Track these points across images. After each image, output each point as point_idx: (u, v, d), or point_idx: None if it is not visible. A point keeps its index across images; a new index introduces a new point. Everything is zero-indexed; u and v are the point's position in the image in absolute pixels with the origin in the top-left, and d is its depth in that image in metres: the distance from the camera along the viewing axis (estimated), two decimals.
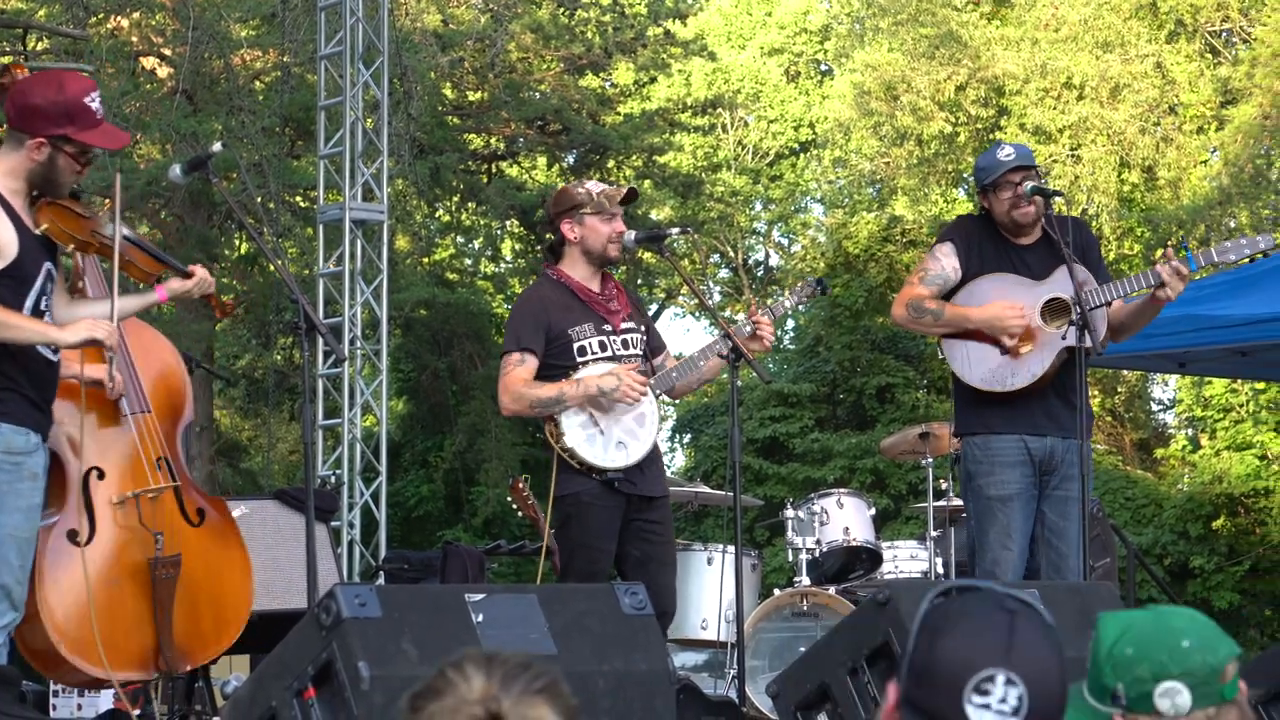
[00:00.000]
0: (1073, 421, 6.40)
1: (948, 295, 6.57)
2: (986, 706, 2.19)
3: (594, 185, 6.52)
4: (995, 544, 6.42)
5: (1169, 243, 19.19)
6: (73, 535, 5.70)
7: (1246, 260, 6.51)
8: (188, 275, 5.55)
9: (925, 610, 2.27)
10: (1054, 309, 6.44)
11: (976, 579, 6.52)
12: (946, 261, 6.57)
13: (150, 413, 5.97)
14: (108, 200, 5.67)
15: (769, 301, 6.65)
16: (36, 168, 5.17)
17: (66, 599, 5.62)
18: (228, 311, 6.02)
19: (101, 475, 5.82)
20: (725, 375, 6.46)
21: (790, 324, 22.44)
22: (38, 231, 5.18)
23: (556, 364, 6.33)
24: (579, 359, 6.31)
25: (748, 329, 6.40)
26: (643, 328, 6.56)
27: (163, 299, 5.54)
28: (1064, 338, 6.39)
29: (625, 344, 6.42)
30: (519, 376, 6.30)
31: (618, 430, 6.29)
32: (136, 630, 5.80)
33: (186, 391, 6.27)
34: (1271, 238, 6.64)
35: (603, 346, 6.36)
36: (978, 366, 6.47)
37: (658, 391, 6.43)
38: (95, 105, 5.19)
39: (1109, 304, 6.42)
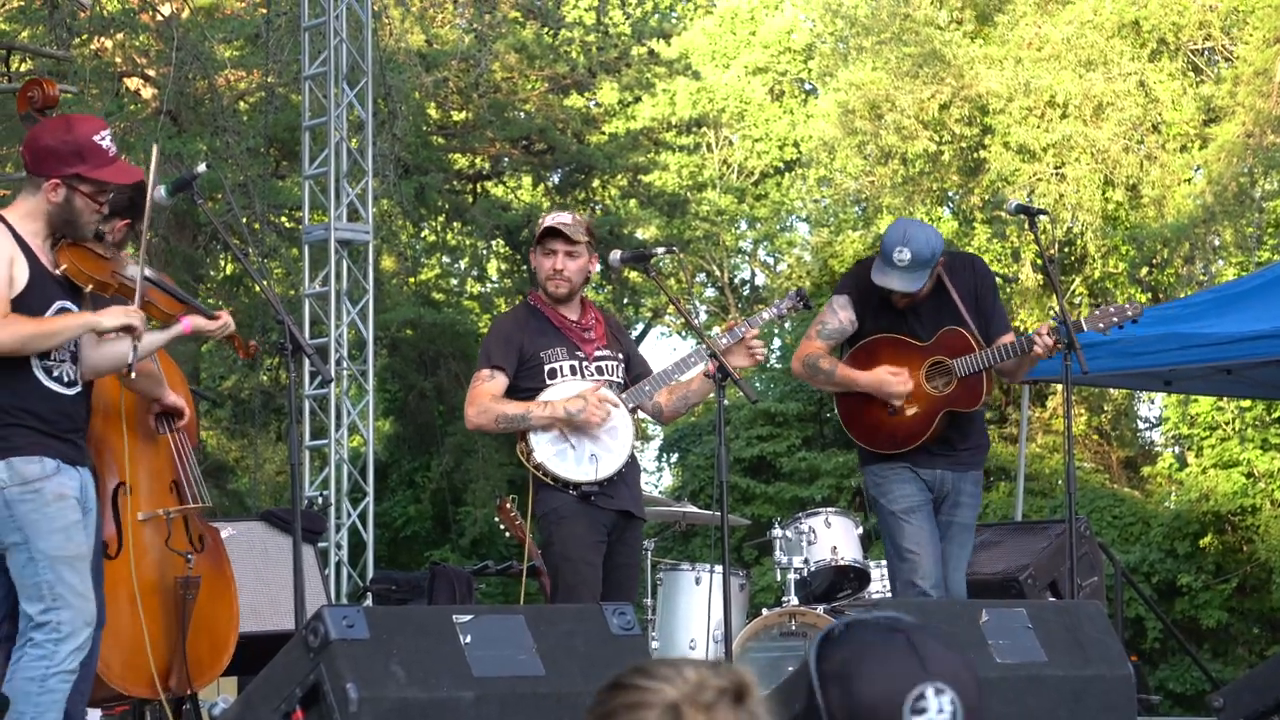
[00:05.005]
0: (961, 454, 6.76)
1: (843, 346, 6.84)
2: None
3: (552, 217, 6.49)
4: (909, 552, 6.68)
5: (1140, 274, 19.22)
6: (104, 548, 5.74)
7: (1116, 326, 6.74)
8: (212, 316, 5.59)
9: (816, 662, 2.29)
10: (938, 371, 6.69)
11: (897, 591, 6.83)
12: (843, 314, 6.82)
13: (180, 432, 6.05)
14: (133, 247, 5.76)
15: (748, 317, 6.62)
16: (54, 209, 5.25)
17: None
18: (251, 353, 6.04)
19: (129, 490, 5.88)
20: (712, 395, 6.46)
21: (777, 343, 22.42)
22: (57, 272, 5.25)
23: (527, 385, 6.34)
24: (549, 381, 6.31)
25: (725, 340, 6.41)
26: (621, 356, 6.54)
27: (186, 330, 5.55)
28: (963, 383, 6.61)
29: (600, 370, 6.43)
30: (487, 391, 6.33)
31: (589, 444, 6.30)
32: (152, 649, 5.85)
33: (197, 418, 6.38)
34: (1140, 305, 6.86)
35: (574, 370, 6.37)
36: (866, 428, 6.84)
37: (630, 405, 6.42)
38: (106, 144, 5.27)
39: (983, 370, 6.63)
